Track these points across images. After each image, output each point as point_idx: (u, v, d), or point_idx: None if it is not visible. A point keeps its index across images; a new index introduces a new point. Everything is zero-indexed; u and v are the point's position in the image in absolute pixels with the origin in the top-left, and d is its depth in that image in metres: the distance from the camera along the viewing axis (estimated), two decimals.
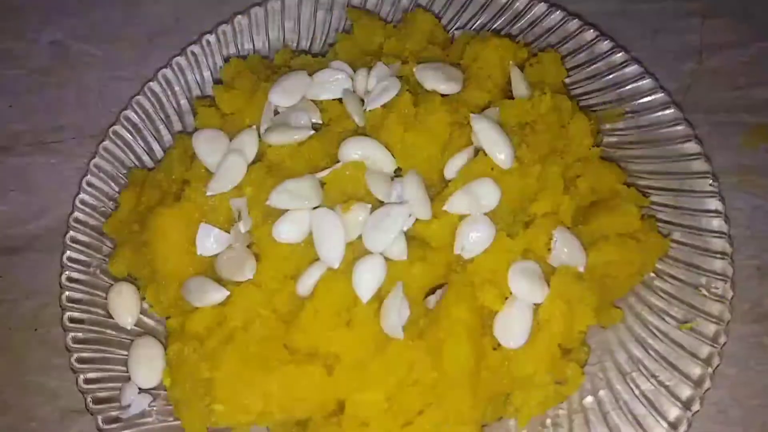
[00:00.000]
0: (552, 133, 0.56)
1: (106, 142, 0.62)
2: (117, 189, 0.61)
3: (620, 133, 0.62)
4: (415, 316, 0.49)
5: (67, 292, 0.55)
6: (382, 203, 0.52)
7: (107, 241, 0.59)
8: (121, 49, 0.71)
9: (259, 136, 0.56)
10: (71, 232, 0.58)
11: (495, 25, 0.66)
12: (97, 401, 0.51)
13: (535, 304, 0.49)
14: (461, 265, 0.51)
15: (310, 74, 0.58)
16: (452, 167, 0.53)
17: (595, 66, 0.63)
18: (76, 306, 0.55)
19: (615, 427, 0.50)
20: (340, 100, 0.57)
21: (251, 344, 0.48)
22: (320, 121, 0.57)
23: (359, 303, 0.49)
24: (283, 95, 0.57)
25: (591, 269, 0.52)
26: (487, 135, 0.52)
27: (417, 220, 0.51)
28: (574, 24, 0.64)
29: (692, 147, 0.58)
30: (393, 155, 0.54)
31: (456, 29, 0.67)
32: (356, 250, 0.51)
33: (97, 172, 0.61)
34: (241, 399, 0.47)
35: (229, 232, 0.53)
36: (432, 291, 0.51)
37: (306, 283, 0.50)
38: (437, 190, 0.54)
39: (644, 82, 0.61)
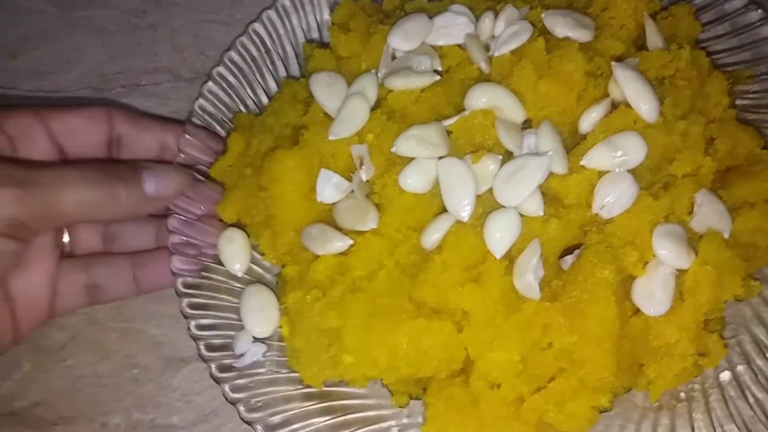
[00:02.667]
0: (692, 90, 0.53)
1: (210, 84, 0.60)
2: (222, 133, 0.59)
3: (753, 95, 0.58)
4: (548, 277, 0.47)
5: (174, 238, 0.53)
6: (511, 155, 0.49)
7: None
8: None
9: (379, 80, 0.53)
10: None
11: None
12: (210, 348, 0.49)
13: (678, 270, 0.46)
14: (598, 226, 0.48)
15: (431, 18, 0.55)
16: (588, 120, 0.50)
17: (728, 22, 0.58)
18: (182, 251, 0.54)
19: (758, 402, 0.47)
20: (459, 46, 0.54)
21: (378, 295, 0.46)
22: (440, 68, 0.54)
23: (489, 259, 0.46)
24: (403, 39, 0.54)
25: (735, 236, 0.48)
26: (631, 85, 0.49)
27: (551, 174, 0.48)
28: None
29: None
30: (524, 105, 0.50)
31: None
32: (486, 204, 0.48)
33: (202, 114, 0.59)
34: (369, 351, 0.45)
35: (349, 180, 0.50)
36: (567, 252, 0.48)
37: (433, 236, 0.47)
38: (569, 144, 0.50)
39: None
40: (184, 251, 0.53)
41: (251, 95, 0.61)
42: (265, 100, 0.61)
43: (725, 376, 0.48)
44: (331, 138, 0.50)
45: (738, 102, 0.57)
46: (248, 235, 0.54)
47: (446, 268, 0.46)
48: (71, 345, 0.56)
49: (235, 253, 0.53)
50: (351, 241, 0.48)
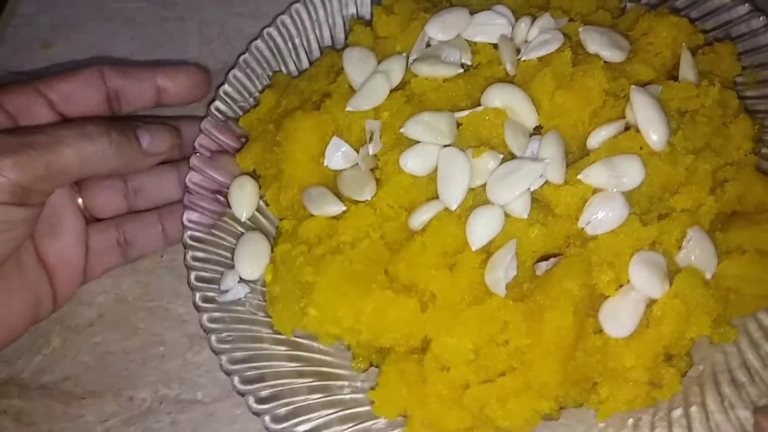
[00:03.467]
0: (712, 128, 0.52)
1: (258, 41, 0.63)
2: (260, 88, 0.63)
3: None
4: (520, 279, 0.48)
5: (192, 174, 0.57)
6: (514, 157, 0.50)
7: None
8: None
9: (408, 64, 0.55)
10: (209, 119, 0.60)
11: (675, 4, 0.62)
12: (200, 279, 0.53)
13: (650, 299, 0.47)
14: (582, 240, 0.49)
15: (471, 13, 0.56)
16: (598, 137, 0.51)
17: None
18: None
19: None
20: (494, 45, 0.55)
21: (356, 261, 0.48)
22: (470, 63, 0.56)
23: (468, 249, 0.48)
24: (440, 28, 0.56)
25: (718, 279, 0.48)
26: (645, 110, 0.49)
27: (546, 182, 0.49)
28: (759, 21, 0.58)
29: None
30: (538, 111, 0.52)
31: (629, 1, 0.63)
32: (477, 198, 0.50)
33: (245, 67, 0.62)
34: (334, 309, 0.47)
35: (358, 151, 0.53)
36: (544, 258, 0.49)
37: (420, 218, 0.49)
38: (575, 157, 0.51)
39: None
40: (198, 204, 0.55)
41: (294, 59, 0.64)
42: (307, 65, 0.64)
43: (677, 413, 0.49)
44: (348, 109, 0.53)
45: (764, 150, 0.57)
46: (260, 186, 0.57)
47: (423, 249, 0.48)
48: (99, 322, 0.58)
49: (243, 199, 0.56)
50: (344, 208, 0.51)
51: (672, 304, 0.46)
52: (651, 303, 0.47)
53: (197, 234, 0.54)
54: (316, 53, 0.64)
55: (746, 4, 0.60)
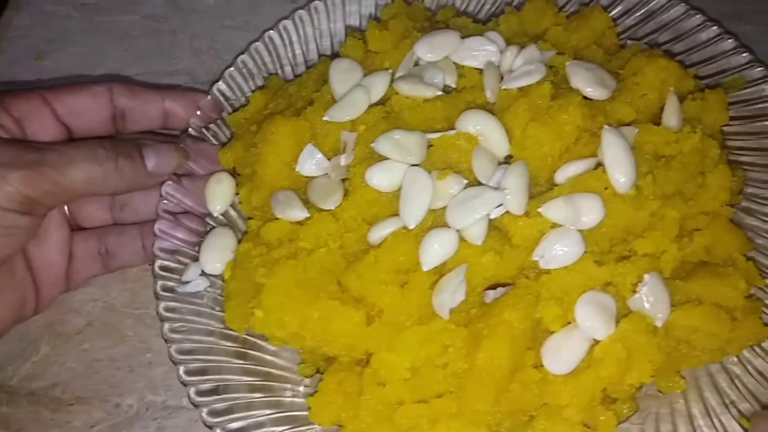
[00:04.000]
0: (686, 175, 0.52)
1: (258, 43, 0.65)
2: (254, 89, 0.64)
3: (759, 200, 0.56)
4: (468, 304, 0.48)
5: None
6: (479, 183, 0.51)
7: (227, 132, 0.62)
8: None
9: (392, 81, 0.56)
10: (199, 113, 0.61)
11: (673, 48, 0.61)
12: (163, 268, 0.55)
13: (594, 340, 0.47)
14: (535, 274, 0.49)
15: (462, 37, 0.57)
16: (565, 172, 0.51)
17: (759, 123, 0.57)
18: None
19: None
20: (481, 71, 0.56)
21: (310, 269, 0.49)
22: (454, 86, 0.56)
23: (420, 269, 0.48)
24: (428, 49, 0.56)
25: (669, 328, 0.48)
26: (614, 151, 0.49)
27: (507, 212, 0.50)
28: (757, 72, 0.58)
29: None
30: (510, 141, 0.52)
31: (630, 39, 0.63)
32: (437, 220, 0.50)
33: (241, 67, 0.64)
34: (280, 314, 0.48)
35: (330, 161, 0.54)
36: (495, 286, 0.49)
37: (379, 233, 0.50)
38: (542, 190, 0.51)
39: None
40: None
41: (292, 63, 0.65)
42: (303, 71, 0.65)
43: None
44: (325, 118, 0.54)
45: (744, 203, 0.56)
46: (237, 184, 0.59)
47: (376, 264, 0.48)
48: (88, 330, 0.59)
49: (218, 194, 0.58)
50: (307, 214, 0.52)
51: (614, 348, 0.46)
52: (595, 344, 0.47)
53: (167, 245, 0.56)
54: (315, 60, 0.66)
55: (747, 54, 0.59)
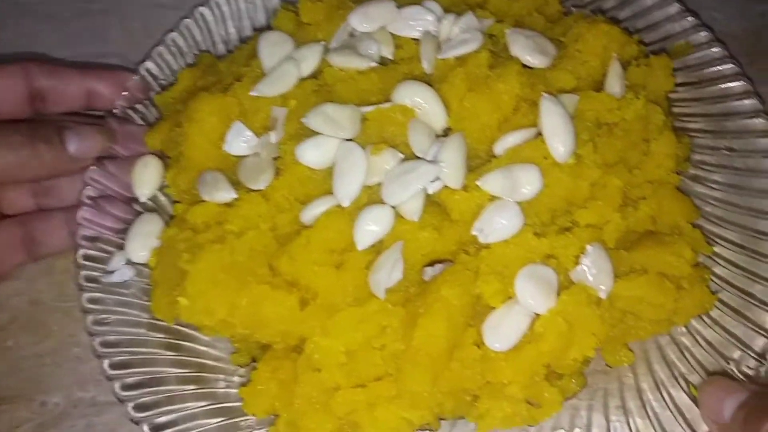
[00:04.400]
0: (629, 143, 0.50)
1: (188, 20, 0.62)
2: (184, 67, 0.61)
3: (708, 167, 0.54)
4: (407, 283, 0.46)
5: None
6: (417, 158, 0.48)
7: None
8: None
9: (325, 53, 0.53)
10: (125, 93, 0.58)
11: (619, 14, 0.60)
12: (87, 258, 0.52)
13: (535, 314, 0.45)
14: (475, 249, 0.47)
15: (399, 7, 0.54)
16: (504, 143, 0.49)
17: (706, 89, 0.55)
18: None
19: None
20: (417, 40, 0.53)
21: (238, 252, 0.47)
22: (391, 57, 0.54)
23: (356, 249, 0.46)
24: (362, 19, 0.54)
25: (614, 299, 0.46)
26: (552, 119, 0.47)
27: (445, 187, 0.48)
28: (702, 36, 0.56)
29: None
30: (448, 113, 0.50)
31: (574, 6, 0.61)
32: (372, 197, 0.48)
33: (171, 45, 0.61)
34: (207, 301, 0.46)
35: (260, 138, 0.51)
36: (434, 264, 0.47)
37: (311, 212, 0.48)
38: (481, 163, 0.49)
39: (756, 121, 0.53)
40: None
41: (224, 40, 0.62)
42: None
43: None
44: (252, 93, 0.51)
45: (692, 171, 0.55)
46: (165, 167, 0.56)
47: (309, 245, 0.46)
48: (12, 326, 0.56)
49: (145, 178, 0.54)
50: (235, 195, 0.49)
51: (554, 321, 0.44)
52: (537, 318, 0.45)
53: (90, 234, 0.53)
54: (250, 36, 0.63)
55: (692, 18, 0.57)
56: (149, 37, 0.66)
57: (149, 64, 0.60)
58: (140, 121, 0.58)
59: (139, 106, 0.58)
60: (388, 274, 0.45)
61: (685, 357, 0.48)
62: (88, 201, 0.53)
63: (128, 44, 0.66)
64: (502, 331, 0.44)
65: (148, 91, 0.59)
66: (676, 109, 0.56)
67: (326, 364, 0.45)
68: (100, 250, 0.52)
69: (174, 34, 0.61)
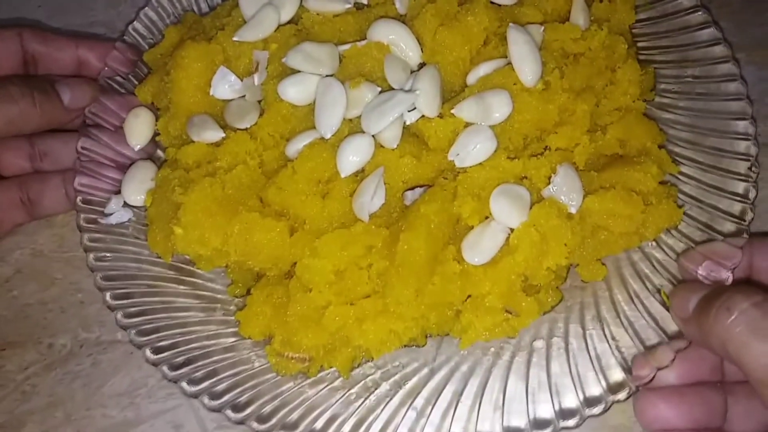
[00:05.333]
0: (594, 70, 0.53)
1: None
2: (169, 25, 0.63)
3: (672, 95, 0.57)
4: (390, 207, 0.49)
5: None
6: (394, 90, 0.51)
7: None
8: None
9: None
10: (115, 52, 0.60)
11: None
12: (86, 202, 0.54)
13: (510, 229, 0.48)
14: (452, 173, 0.50)
15: None
16: (476, 74, 0.51)
17: (667, 22, 0.58)
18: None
19: (553, 376, 0.48)
20: None
21: (229, 185, 0.49)
22: (365, 2, 0.56)
23: (340, 178, 0.49)
24: None
25: (584, 214, 0.49)
26: (520, 48, 0.50)
27: (423, 116, 0.50)
28: None
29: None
30: (422, 48, 0.52)
31: None
32: (353, 129, 0.50)
33: (156, 6, 0.63)
34: (201, 230, 0.48)
35: (243, 81, 0.54)
36: (414, 189, 0.50)
37: (295, 146, 0.50)
38: (456, 94, 0.52)
39: (716, 48, 0.56)
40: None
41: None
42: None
43: (539, 344, 0.49)
44: (234, 39, 0.54)
45: (657, 99, 0.57)
46: (158, 118, 0.58)
47: (295, 176, 0.49)
48: (16, 277, 0.58)
49: (137, 129, 0.57)
50: (222, 134, 0.52)
51: (527, 233, 0.46)
52: (512, 233, 0.48)
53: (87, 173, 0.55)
54: None
55: None
56: (133, 7, 0.68)
57: (137, 25, 0.62)
58: (128, 89, 0.60)
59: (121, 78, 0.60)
60: (370, 198, 0.48)
61: (656, 269, 0.51)
62: (82, 168, 0.55)
63: (113, 14, 0.70)
64: (480, 246, 0.47)
65: (138, 52, 0.61)
66: (640, 44, 0.59)
67: (316, 284, 0.47)
68: (100, 196, 0.54)
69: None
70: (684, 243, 0.51)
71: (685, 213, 0.51)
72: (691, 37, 0.57)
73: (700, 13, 0.57)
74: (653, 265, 0.52)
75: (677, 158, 0.54)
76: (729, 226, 0.50)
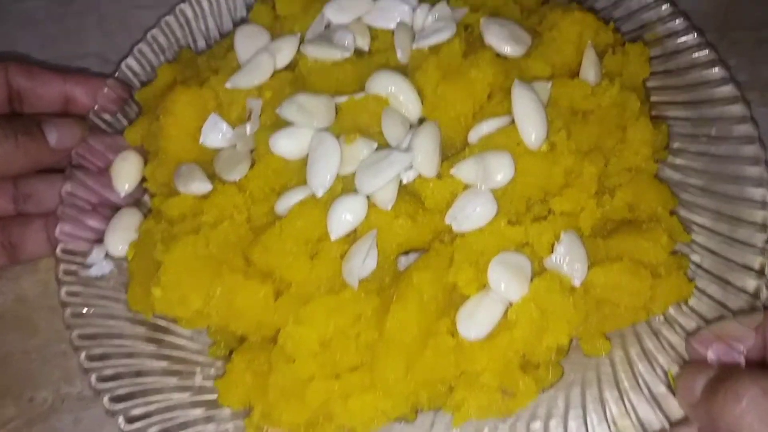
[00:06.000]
0: (604, 130, 0.50)
1: (169, 17, 0.62)
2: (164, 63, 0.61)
3: (688, 155, 0.54)
4: (381, 272, 0.46)
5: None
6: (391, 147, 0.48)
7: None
8: None
9: (298, 45, 0.53)
10: (106, 90, 0.58)
11: (596, 5, 0.59)
12: (66, 251, 0.52)
13: (509, 302, 0.45)
14: (450, 237, 0.47)
15: None
16: (478, 132, 0.49)
17: (683, 76, 0.55)
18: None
19: None
20: (392, 31, 0.53)
21: (213, 243, 0.47)
22: (367, 48, 0.54)
23: (329, 238, 0.46)
24: (338, 11, 0.54)
25: (588, 286, 0.46)
26: (524, 106, 0.47)
27: (420, 175, 0.48)
28: (679, 24, 0.56)
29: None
30: (422, 102, 0.50)
31: None
32: (346, 186, 0.48)
33: (151, 42, 0.61)
34: (181, 291, 0.46)
35: (235, 130, 0.51)
36: (409, 253, 0.47)
37: (286, 202, 0.48)
38: (456, 151, 0.49)
39: (734, 108, 0.53)
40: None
41: (205, 36, 0.62)
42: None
43: (536, 425, 0.46)
44: (227, 86, 0.51)
45: (670, 159, 0.54)
46: (146, 161, 0.56)
47: (283, 235, 0.46)
48: None
49: (124, 173, 0.55)
50: (210, 187, 0.49)
51: (527, 308, 0.44)
52: (510, 306, 0.45)
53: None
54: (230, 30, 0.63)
55: (668, 5, 0.57)
56: (128, 38, 0.66)
57: (130, 61, 0.60)
58: (117, 128, 0.58)
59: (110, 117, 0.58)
60: (361, 263, 0.45)
61: (663, 346, 0.48)
62: (65, 215, 0.53)
63: (106, 45, 0.67)
64: (476, 319, 0.44)
65: (129, 90, 0.59)
66: (654, 98, 0.56)
67: (300, 354, 0.44)
68: (81, 245, 0.52)
69: (154, 31, 0.61)
70: (694, 320, 0.48)
71: (696, 287, 0.48)
72: (708, 93, 0.54)
73: (717, 69, 0.54)
74: (660, 342, 0.49)
75: (689, 224, 0.51)
76: (742, 303, 0.47)
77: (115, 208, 0.55)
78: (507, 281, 0.44)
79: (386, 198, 0.46)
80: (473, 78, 0.49)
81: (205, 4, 0.62)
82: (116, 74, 0.60)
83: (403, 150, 0.47)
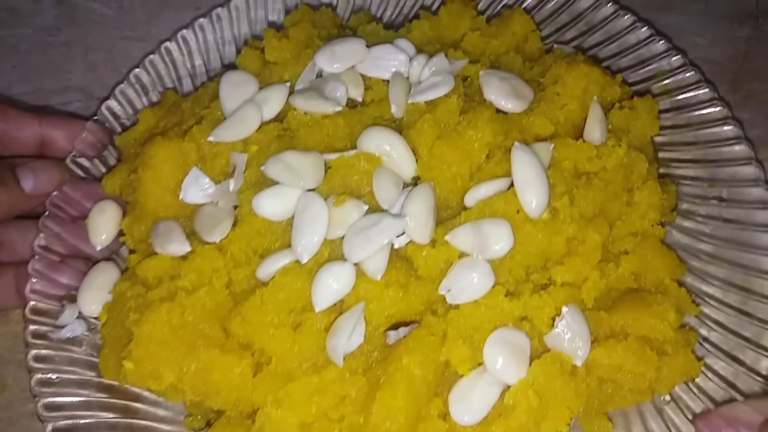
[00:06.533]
0: (610, 193, 0.47)
1: (153, 56, 0.59)
2: (148, 106, 0.58)
3: (698, 219, 0.51)
4: (369, 347, 0.43)
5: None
6: (383, 210, 0.45)
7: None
8: (131, 8, 0.66)
9: (290, 95, 0.50)
10: (85, 133, 0.55)
11: (602, 52, 0.57)
12: (35, 311, 0.49)
13: (506, 384, 0.42)
14: (444, 309, 0.44)
15: (369, 45, 0.52)
16: (475, 195, 0.46)
17: (695, 132, 0.52)
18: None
19: None
20: (387, 81, 0.51)
21: (189, 311, 0.44)
22: (360, 99, 0.51)
23: (313, 310, 0.43)
24: (330, 60, 0.51)
25: (591, 366, 0.43)
26: (524, 171, 0.44)
27: (412, 241, 0.45)
28: (690, 77, 0.53)
29: None
30: (416, 161, 0.47)
31: (557, 43, 0.58)
32: (334, 252, 0.45)
33: (134, 82, 0.58)
34: (154, 365, 0.43)
35: (217, 186, 0.48)
36: (400, 325, 0.44)
37: (268, 268, 0.45)
38: (453, 214, 0.46)
39: (747, 169, 0.50)
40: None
41: (191, 74, 0.60)
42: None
43: None
44: (210, 139, 0.48)
45: (678, 221, 0.51)
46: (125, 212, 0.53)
47: (263, 305, 0.43)
48: None
49: (101, 225, 0.52)
50: (189, 248, 0.46)
51: (524, 395, 0.41)
52: (507, 389, 0.42)
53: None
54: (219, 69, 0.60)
55: (679, 57, 0.55)
56: (113, 71, 0.64)
57: (112, 103, 0.57)
58: (95, 174, 0.55)
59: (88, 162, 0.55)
60: (347, 338, 0.42)
61: (668, 428, 0.45)
62: (36, 271, 0.50)
63: (91, 78, 0.64)
64: (470, 402, 0.41)
65: (109, 134, 0.56)
66: (662, 154, 0.53)
67: None
68: (51, 302, 0.49)
69: (137, 71, 0.59)
70: (701, 401, 0.45)
71: (704, 365, 0.45)
72: (720, 152, 0.51)
73: (730, 127, 0.51)
74: (665, 423, 0.46)
75: (697, 294, 0.49)
76: (753, 385, 0.44)
77: (92, 261, 0.52)
78: (504, 362, 0.41)
79: (376, 267, 0.43)
80: (471, 138, 0.46)
81: (192, 42, 0.60)
82: (96, 116, 0.57)
83: (395, 214, 0.44)
